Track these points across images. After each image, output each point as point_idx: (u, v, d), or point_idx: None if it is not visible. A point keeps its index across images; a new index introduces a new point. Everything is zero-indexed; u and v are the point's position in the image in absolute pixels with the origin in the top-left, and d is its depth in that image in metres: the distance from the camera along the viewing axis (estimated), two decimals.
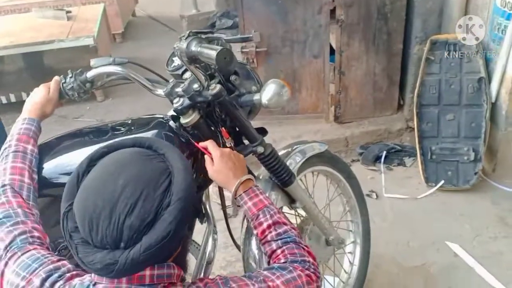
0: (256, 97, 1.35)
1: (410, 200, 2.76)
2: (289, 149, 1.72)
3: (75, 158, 1.31)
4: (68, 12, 4.41)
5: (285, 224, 1.18)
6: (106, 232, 0.82)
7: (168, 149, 0.95)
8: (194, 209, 1.38)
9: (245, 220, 1.51)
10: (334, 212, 2.01)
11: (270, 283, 1.00)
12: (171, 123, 1.38)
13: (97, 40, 3.94)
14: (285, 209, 1.65)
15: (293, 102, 3.38)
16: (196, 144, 1.30)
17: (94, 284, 0.90)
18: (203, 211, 1.53)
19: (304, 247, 1.15)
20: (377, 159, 3.15)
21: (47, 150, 1.34)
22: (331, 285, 1.97)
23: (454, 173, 2.79)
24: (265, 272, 1.04)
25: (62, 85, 1.46)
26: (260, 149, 1.43)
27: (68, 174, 1.27)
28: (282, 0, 2.99)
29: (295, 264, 1.07)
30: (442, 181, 2.78)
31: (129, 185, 0.84)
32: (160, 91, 1.41)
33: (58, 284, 0.91)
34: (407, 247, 2.39)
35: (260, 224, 1.17)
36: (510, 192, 2.72)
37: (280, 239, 1.14)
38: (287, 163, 1.62)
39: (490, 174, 2.87)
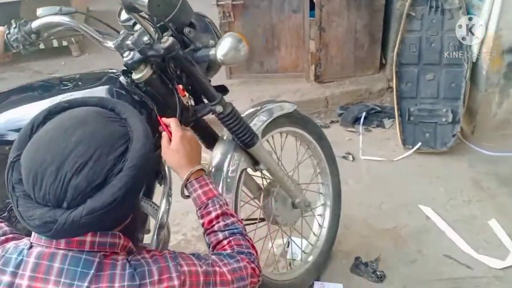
0: (211, 52, 1.25)
1: (387, 163, 2.72)
2: (257, 108, 1.64)
3: (20, 113, 1.24)
4: None
5: (232, 216, 1.17)
6: (50, 189, 0.78)
7: (131, 114, 0.92)
8: (152, 172, 1.32)
9: None
10: (305, 174, 1.96)
11: (217, 268, 0.99)
12: (122, 78, 1.28)
13: None
14: (250, 171, 1.59)
15: (273, 60, 3.27)
16: (159, 118, 1.22)
17: (30, 247, 0.85)
18: (161, 173, 1.46)
19: (249, 240, 1.15)
20: (356, 120, 3.09)
21: None
22: (299, 247, 1.94)
23: (432, 135, 2.74)
24: (213, 257, 1.03)
25: (7, 36, 1.35)
26: (219, 108, 1.35)
27: (15, 130, 1.19)
28: None
29: (242, 255, 1.08)
30: (419, 143, 2.74)
31: (83, 143, 0.80)
32: (110, 44, 1.30)
33: None
34: (379, 209, 2.36)
35: (209, 213, 1.15)
36: (487, 155, 2.69)
37: (228, 230, 1.13)
38: (253, 123, 1.55)
39: (469, 137, 2.83)
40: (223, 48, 1.23)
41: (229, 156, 1.48)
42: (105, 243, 0.87)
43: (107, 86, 1.28)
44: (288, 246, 2.02)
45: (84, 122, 0.84)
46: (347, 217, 2.20)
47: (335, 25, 3.08)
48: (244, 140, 1.44)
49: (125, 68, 1.27)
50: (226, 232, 1.13)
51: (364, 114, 3.07)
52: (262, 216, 1.72)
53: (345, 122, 3.11)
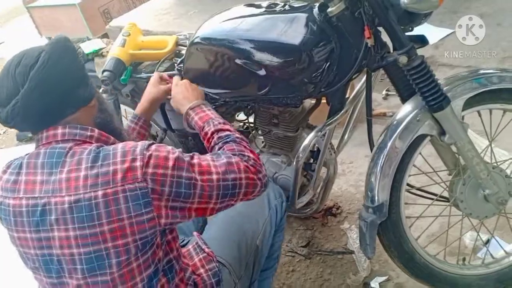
0: None
1: None
2: (472, 73, 1.39)
3: (229, 26, 1.47)
4: None
5: (228, 130, 1.23)
6: (7, 86, 0.99)
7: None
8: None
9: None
10: None
11: (195, 160, 1.05)
12: (315, 11, 1.33)
13: None
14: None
15: None
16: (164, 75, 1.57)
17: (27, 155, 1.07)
18: None
19: (245, 145, 1.17)
20: None
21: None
22: (501, 246, 1.62)
23: None
24: (197, 154, 1.09)
25: None
26: (403, 59, 1.24)
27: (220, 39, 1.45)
28: None
29: (233, 155, 1.10)
30: None
31: (15, 56, 1.03)
32: None
33: None
34: None
35: (206, 134, 1.25)
36: None
37: (221, 141, 1.20)
38: (460, 87, 1.35)
39: None
40: None
41: (413, 113, 1.35)
42: (74, 133, 1.02)
43: (301, 15, 1.36)
44: (486, 244, 1.71)
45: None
46: None
47: None
48: (429, 101, 1.29)
49: (323, 1, 1.30)
50: (220, 143, 1.19)
51: None
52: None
53: None
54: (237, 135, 1.21)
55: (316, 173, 1.61)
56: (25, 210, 0.99)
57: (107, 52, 1.79)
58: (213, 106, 1.57)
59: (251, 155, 1.13)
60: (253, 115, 1.70)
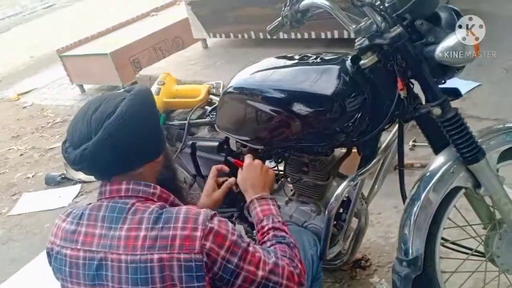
0: (433, 47, 1.16)
1: None
2: (506, 126, 1.39)
3: (262, 77, 1.52)
4: None
5: (285, 231, 1.20)
6: (81, 129, 1.01)
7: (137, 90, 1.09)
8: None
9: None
10: None
11: (251, 248, 1.03)
12: (347, 63, 1.37)
13: None
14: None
15: None
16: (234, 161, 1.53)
17: (89, 204, 1.08)
18: None
19: (297, 253, 1.15)
20: None
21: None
22: None
23: None
24: (253, 243, 1.08)
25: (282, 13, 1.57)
26: (437, 111, 1.25)
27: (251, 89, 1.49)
28: None
29: (283, 257, 1.07)
30: None
31: (95, 100, 1.06)
32: (352, 28, 1.39)
33: None
34: None
35: (263, 227, 1.22)
36: None
37: (276, 240, 1.17)
38: (494, 140, 1.34)
39: None
40: (445, 44, 1.14)
41: (447, 165, 1.34)
42: (138, 190, 1.03)
43: (333, 67, 1.39)
44: None
45: (102, 97, 1.07)
46: None
47: None
48: (464, 153, 1.28)
49: (356, 54, 1.34)
50: (274, 241, 1.16)
51: None
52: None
53: None
54: (292, 240, 1.19)
55: (347, 223, 1.59)
56: (81, 262, 1.00)
57: None
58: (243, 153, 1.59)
59: (299, 264, 1.12)
60: (283, 162, 1.71)
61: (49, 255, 1.10)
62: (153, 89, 1.79)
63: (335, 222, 1.67)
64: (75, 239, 1.03)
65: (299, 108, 1.41)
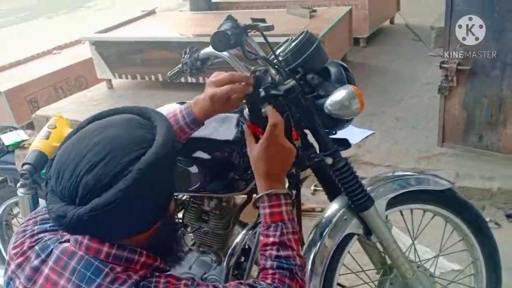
0: (323, 100, 1.22)
1: None
2: (393, 174, 1.49)
3: None
4: (313, 11, 4.50)
5: (291, 248, 1.07)
6: (66, 185, 0.83)
7: (162, 122, 0.92)
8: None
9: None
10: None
11: None
12: (245, 111, 1.38)
13: (325, 40, 3.84)
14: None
15: (494, 137, 2.83)
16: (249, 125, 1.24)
17: (63, 242, 0.92)
18: None
19: (299, 281, 1.04)
20: None
21: None
22: None
23: None
24: (242, 287, 0.98)
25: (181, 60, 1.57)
26: (328, 160, 1.30)
27: None
28: (498, 14, 2.50)
29: None
30: None
31: (100, 144, 0.83)
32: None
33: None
34: None
35: (267, 236, 1.09)
36: None
37: (277, 261, 1.05)
38: (382, 188, 1.42)
39: None
40: (333, 99, 1.20)
41: (340, 212, 1.39)
42: (120, 257, 0.87)
43: (233, 115, 1.40)
44: None
45: (110, 126, 0.88)
46: None
47: None
48: (354, 201, 1.34)
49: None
50: (275, 263, 1.04)
51: None
52: None
53: None
54: (299, 262, 1.06)
55: (247, 272, 1.56)
56: None
57: (29, 144, 1.72)
58: None
59: None
60: (182, 211, 1.65)
61: (7, 284, 0.94)
62: (43, 133, 1.67)
63: (236, 272, 1.64)
64: (34, 280, 0.88)
65: (200, 155, 1.39)
